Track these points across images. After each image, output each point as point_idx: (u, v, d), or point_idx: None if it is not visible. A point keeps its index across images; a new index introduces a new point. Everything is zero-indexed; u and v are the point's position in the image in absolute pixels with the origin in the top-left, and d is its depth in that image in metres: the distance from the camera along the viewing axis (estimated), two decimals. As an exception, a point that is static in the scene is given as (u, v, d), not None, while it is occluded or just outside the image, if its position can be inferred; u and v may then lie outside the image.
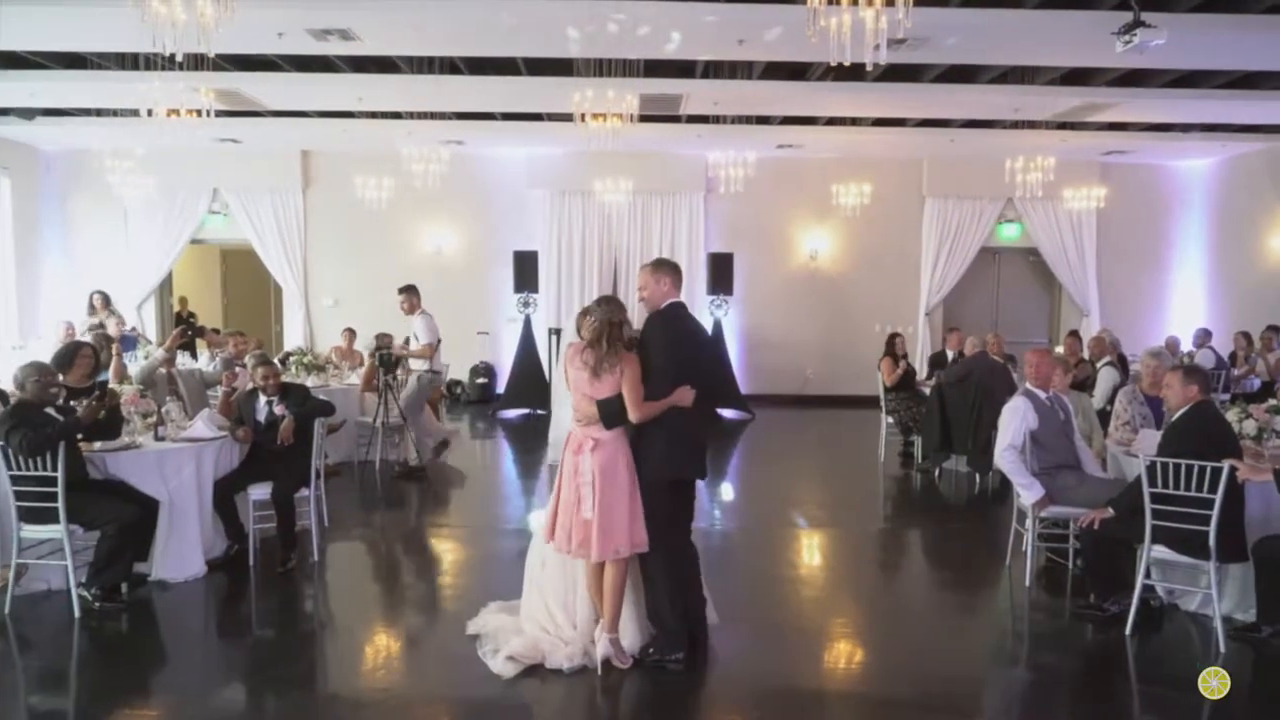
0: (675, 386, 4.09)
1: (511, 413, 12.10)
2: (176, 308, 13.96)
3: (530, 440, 10.61)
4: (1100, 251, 13.15)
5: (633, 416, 4.03)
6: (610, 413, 4.03)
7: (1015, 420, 5.42)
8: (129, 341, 9.50)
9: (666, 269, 4.31)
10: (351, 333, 10.42)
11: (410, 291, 8.53)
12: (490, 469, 9.90)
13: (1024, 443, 5.40)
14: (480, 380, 13.14)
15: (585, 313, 4.22)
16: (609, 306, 4.11)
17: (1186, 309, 13.11)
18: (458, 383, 13.13)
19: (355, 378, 9.18)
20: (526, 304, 12.28)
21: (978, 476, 8.21)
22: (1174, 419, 4.77)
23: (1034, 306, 13.82)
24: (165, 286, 13.72)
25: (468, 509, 7.86)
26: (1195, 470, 4.34)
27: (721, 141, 11.65)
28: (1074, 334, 10.30)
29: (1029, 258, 13.59)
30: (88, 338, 8.23)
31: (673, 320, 4.25)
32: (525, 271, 12.30)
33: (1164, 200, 13.28)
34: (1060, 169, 10.98)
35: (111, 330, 9.49)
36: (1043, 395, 5.58)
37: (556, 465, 4.34)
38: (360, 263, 13.10)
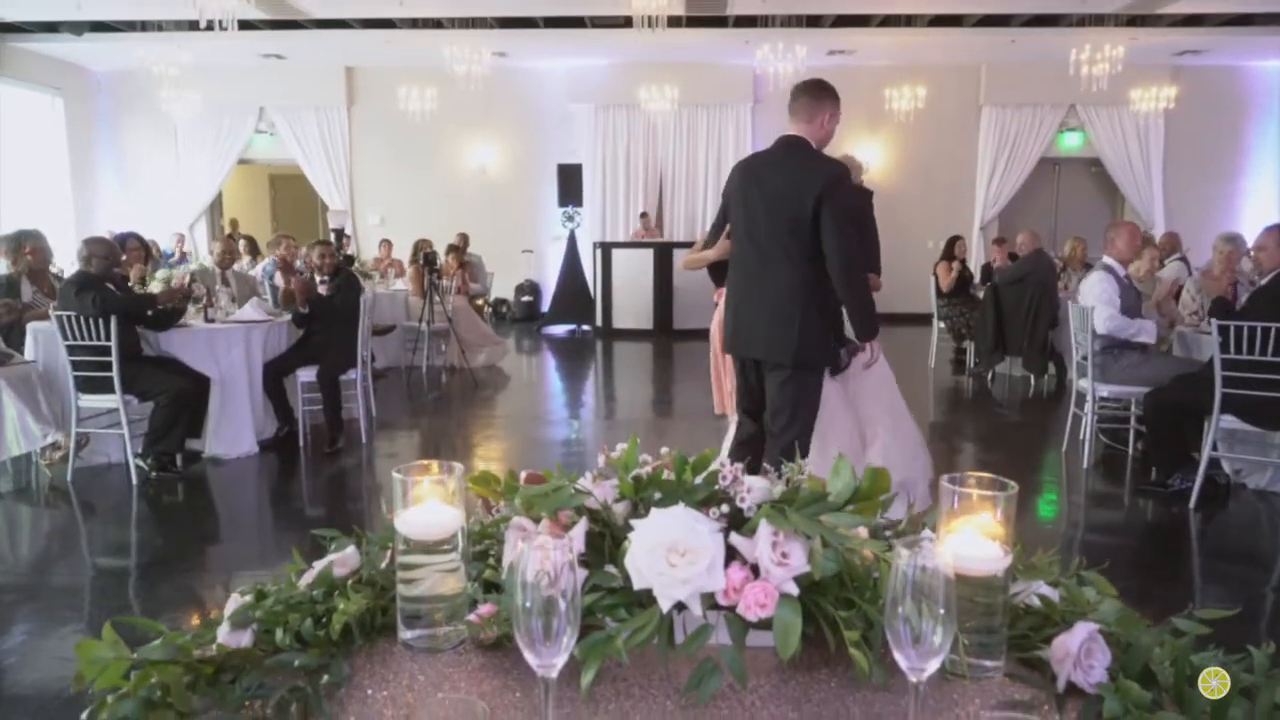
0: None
1: (557, 329, 12.08)
2: (227, 230, 14.13)
3: (575, 355, 10.60)
4: (1167, 160, 12.56)
5: None
6: None
7: (1106, 287, 5.08)
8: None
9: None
10: (388, 243, 10.57)
11: None
12: (536, 381, 9.92)
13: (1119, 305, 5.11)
14: (525, 298, 13.14)
15: None
16: None
17: (1258, 220, 12.48)
18: (503, 301, 13.15)
19: (401, 284, 9.22)
20: (571, 218, 12.16)
21: (1032, 379, 7.99)
22: (1263, 283, 4.51)
23: (1095, 220, 13.26)
24: (215, 208, 13.89)
25: (514, 410, 7.89)
26: (1273, 333, 4.12)
27: (770, 47, 11.26)
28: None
29: (1091, 169, 13.04)
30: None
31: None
32: (570, 185, 12.15)
33: (1238, 104, 12.58)
34: (1128, 72, 10.44)
35: None
36: (1121, 272, 5.29)
37: None
38: (406, 180, 13.11)
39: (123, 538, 4.53)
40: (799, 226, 3.21)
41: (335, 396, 5.69)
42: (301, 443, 5.80)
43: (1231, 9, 10.00)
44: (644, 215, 12.58)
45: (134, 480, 4.93)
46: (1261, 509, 4.58)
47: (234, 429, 5.46)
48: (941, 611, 0.87)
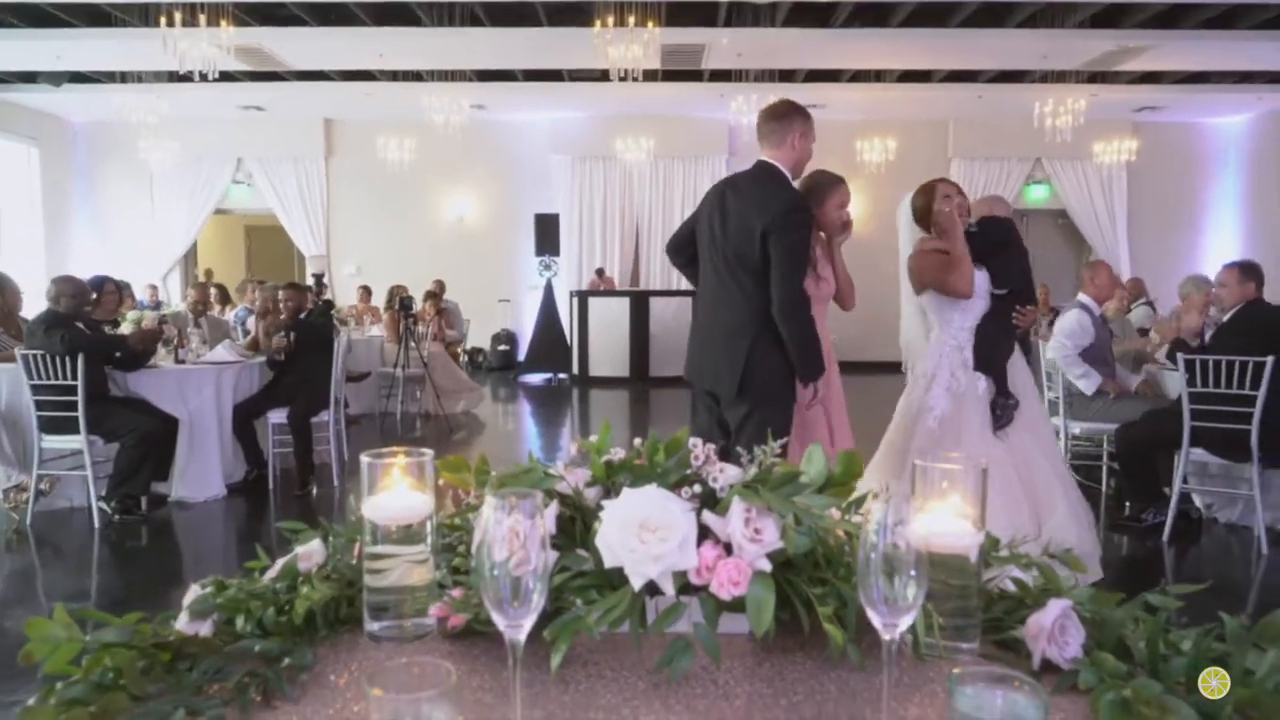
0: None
1: (534, 377, 12.05)
2: (201, 279, 14.06)
3: (551, 402, 10.55)
4: (1131, 212, 12.90)
5: None
6: None
7: (1078, 330, 5.17)
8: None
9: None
10: (367, 290, 10.57)
11: None
12: (513, 428, 9.85)
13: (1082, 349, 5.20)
14: (502, 347, 13.12)
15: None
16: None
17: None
18: (479, 350, 13.12)
19: (376, 330, 9.20)
20: (548, 267, 12.19)
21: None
22: (1225, 319, 4.61)
23: (1064, 270, 13.54)
24: (190, 257, 13.84)
25: (489, 455, 7.80)
26: (1236, 366, 4.19)
27: (744, 99, 11.51)
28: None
29: (1057, 220, 13.35)
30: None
31: None
32: (547, 235, 12.22)
33: (1197, 159, 12.99)
34: (1091, 127, 10.79)
35: None
36: (1096, 310, 5.37)
37: None
38: (383, 232, 13.14)
39: (82, 584, 4.40)
40: (750, 257, 3.08)
41: (306, 438, 5.61)
42: (271, 485, 5.70)
43: (1187, 67, 10.38)
44: (599, 271, 12.73)
45: (96, 524, 4.81)
46: (1233, 541, 4.62)
47: (202, 471, 5.35)
48: (913, 573, 0.86)
